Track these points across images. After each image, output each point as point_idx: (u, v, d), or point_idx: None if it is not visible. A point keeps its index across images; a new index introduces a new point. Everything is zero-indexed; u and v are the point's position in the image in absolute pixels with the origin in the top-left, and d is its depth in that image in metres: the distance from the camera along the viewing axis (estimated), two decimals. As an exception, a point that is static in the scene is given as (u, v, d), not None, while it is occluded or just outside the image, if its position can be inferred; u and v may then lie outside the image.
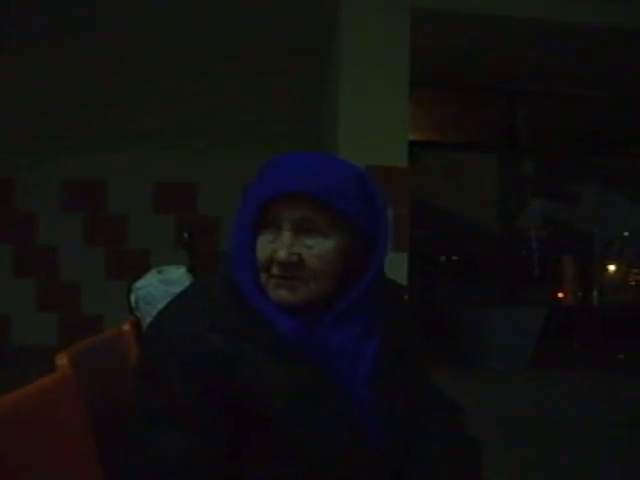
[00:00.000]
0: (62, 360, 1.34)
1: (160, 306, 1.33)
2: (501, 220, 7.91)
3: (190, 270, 2.57)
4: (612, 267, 9.72)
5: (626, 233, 9.23)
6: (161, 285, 2.41)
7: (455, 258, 8.40)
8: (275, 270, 1.24)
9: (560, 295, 9.57)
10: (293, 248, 1.22)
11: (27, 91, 6.68)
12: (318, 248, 1.23)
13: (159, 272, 2.51)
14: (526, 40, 5.95)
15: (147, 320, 2.32)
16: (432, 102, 7.74)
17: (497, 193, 8.20)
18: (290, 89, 6.79)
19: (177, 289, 1.41)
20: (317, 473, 1.24)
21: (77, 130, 6.84)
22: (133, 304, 2.48)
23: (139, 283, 2.50)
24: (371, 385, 1.27)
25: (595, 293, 8.64)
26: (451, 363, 5.78)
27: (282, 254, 1.22)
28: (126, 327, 2.08)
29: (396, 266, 4.32)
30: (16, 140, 6.82)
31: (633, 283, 10.19)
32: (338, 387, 1.25)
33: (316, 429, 1.22)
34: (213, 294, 1.28)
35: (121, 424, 1.27)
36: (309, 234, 1.23)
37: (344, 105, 4.95)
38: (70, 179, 7.06)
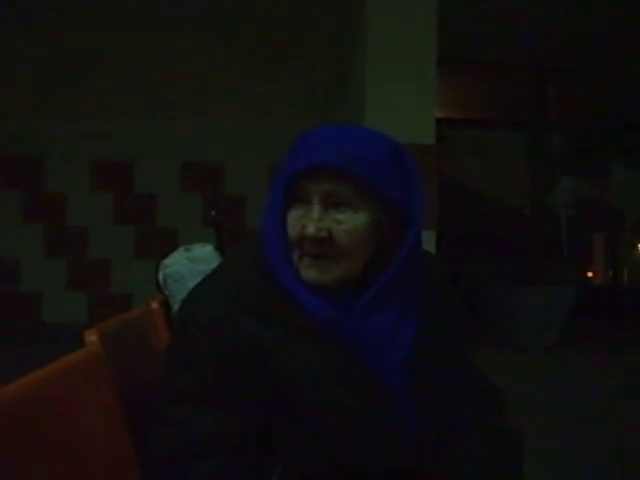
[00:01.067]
0: (91, 336, 1.34)
1: (188, 284, 1.33)
2: (530, 198, 7.83)
3: (217, 248, 2.57)
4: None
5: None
6: (188, 263, 2.42)
7: (484, 236, 8.32)
8: (306, 247, 1.20)
9: (589, 274, 9.48)
10: (322, 223, 1.17)
11: (57, 72, 6.71)
12: (348, 223, 1.18)
13: (186, 250, 2.52)
14: (557, 14, 5.85)
15: (175, 298, 2.33)
16: (460, 79, 7.65)
17: (526, 171, 8.11)
18: (318, 68, 6.76)
19: (204, 267, 1.41)
20: (349, 457, 1.23)
21: (106, 111, 6.87)
22: (161, 282, 2.49)
23: (167, 261, 2.51)
24: (406, 369, 1.23)
25: (625, 271, 8.55)
26: (479, 342, 5.75)
27: (311, 229, 1.17)
28: (154, 305, 2.09)
29: (425, 245, 4.27)
30: (45, 121, 6.86)
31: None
32: (372, 370, 1.21)
33: (348, 413, 1.21)
34: (244, 275, 1.25)
35: (150, 401, 1.28)
36: (339, 208, 1.18)
37: (371, 83, 4.91)
38: (99, 159, 7.11)
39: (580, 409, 4.30)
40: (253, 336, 1.18)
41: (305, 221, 1.19)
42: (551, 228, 7.77)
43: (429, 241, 4.57)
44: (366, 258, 1.22)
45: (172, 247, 2.70)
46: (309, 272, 1.20)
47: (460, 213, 8.02)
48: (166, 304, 2.31)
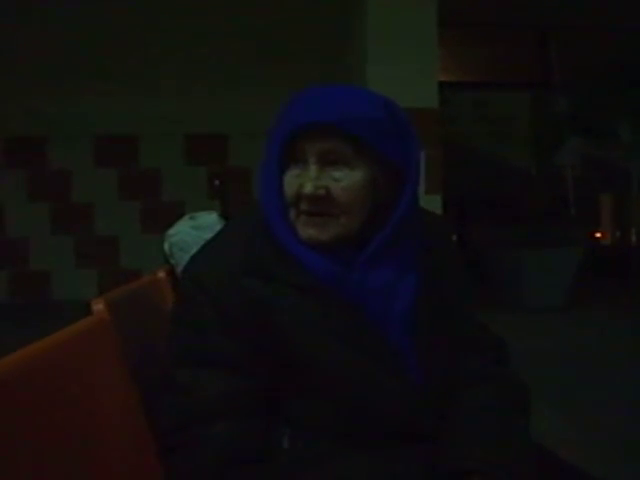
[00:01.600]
0: (98, 305, 1.35)
1: (194, 252, 1.33)
2: (536, 159, 7.78)
3: (222, 216, 2.57)
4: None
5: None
6: (193, 231, 2.42)
7: (490, 199, 8.30)
8: (303, 205, 1.19)
9: (597, 234, 9.44)
10: (320, 181, 1.18)
11: (58, 52, 6.69)
12: (345, 180, 1.18)
13: (191, 218, 2.52)
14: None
15: (181, 266, 2.33)
16: (463, 42, 7.59)
17: (531, 132, 8.06)
18: (318, 34, 6.71)
19: (209, 235, 1.40)
20: (356, 412, 1.24)
21: (108, 86, 6.84)
22: (167, 251, 2.49)
23: (172, 230, 2.51)
24: (408, 322, 1.24)
25: (633, 231, 8.52)
26: (486, 304, 5.76)
27: (309, 187, 1.17)
28: (161, 274, 2.10)
29: (430, 209, 4.27)
30: (47, 100, 6.84)
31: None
32: (375, 325, 1.22)
33: (353, 368, 1.21)
34: (246, 237, 1.26)
35: (157, 368, 1.29)
36: (335, 166, 1.18)
37: (373, 48, 4.88)
38: (103, 135, 7.10)
39: (590, 367, 4.32)
40: (257, 296, 1.19)
41: (302, 180, 1.19)
42: (558, 189, 7.75)
43: (435, 205, 4.57)
44: (364, 216, 1.22)
45: (179, 220, 2.71)
46: (307, 230, 1.20)
47: (465, 176, 7.99)
48: (173, 273, 2.32)
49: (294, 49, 6.77)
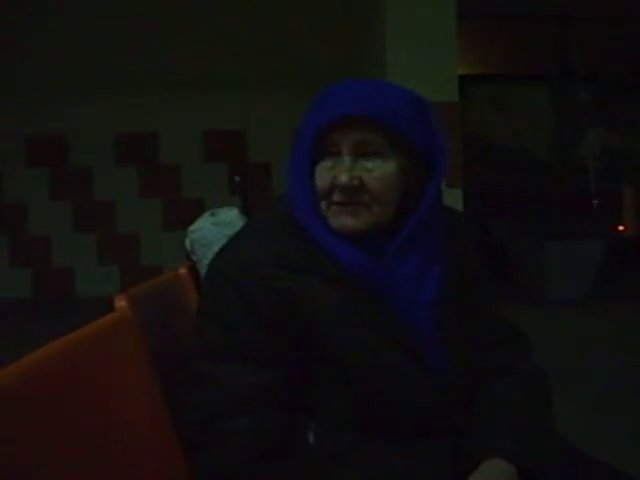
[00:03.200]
0: (121, 301, 1.36)
1: (215, 248, 1.34)
2: (557, 151, 7.71)
3: (243, 212, 2.58)
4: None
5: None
6: (214, 227, 2.42)
7: (511, 192, 8.24)
8: (336, 197, 1.21)
9: (620, 227, 9.34)
10: (354, 172, 1.20)
11: (75, 49, 6.74)
12: (378, 171, 1.21)
13: (212, 215, 2.53)
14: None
15: (203, 262, 2.34)
16: (482, 34, 7.55)
17: (552, 124, 7.99)
18: (336, 29, 6.70)
19: (229, 231, 1.42)
20: (381, 402, 1.25)
21: (126, 84, 6.88)
22: (188, 248, 2.50)
23: (193, 226, 2.52)
24: (435, 312, 1.25)
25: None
26: (508, 297, 5.73)
27: (343, 178, 1.19)
28: (183, 271, 2.11)
29: (451, 202, 4.24)
30: (68, 100, 6.88)
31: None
32: (401, 315, 1.23)
33: (381, 358, 1.22)
34: (272, 229, 1.27)
35: (180, 364, 1.29)
36: (368, 157, 1.21)
37: (391, 42, 4.85)
38: (123, 133, 7.14)
39: (612, 360, 4.29)
40: (284, 287, 1.20)
41: (336, 172, 1.21)
42: (580, 181, 7.68)
43: (456, 199, 4.53)
44: (395, 205, 1.24)
45: (199, 217, 2.72)
46: (340, 219, 1.22)
47: (487, 169, 7.95)
48: (194, 269, 2.33)
49: (311, 44, 6.76)
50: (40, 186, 7.16)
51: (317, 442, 1.25)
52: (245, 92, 6.87)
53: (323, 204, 1.23)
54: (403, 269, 1.23)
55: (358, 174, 1.20)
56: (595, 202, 7.81)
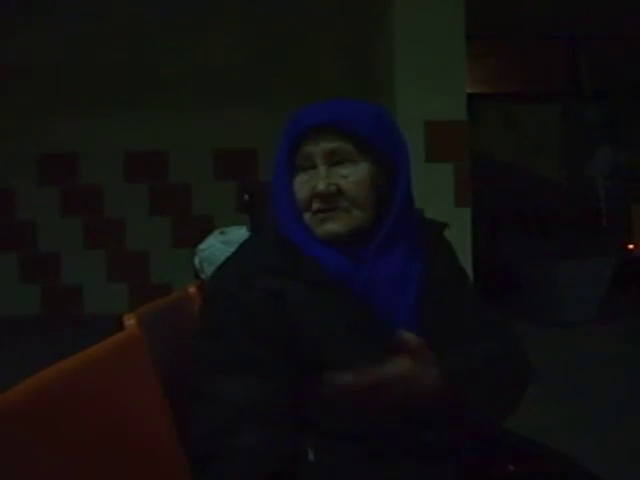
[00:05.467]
0: (130, 320, 1.36)
1: (223, 267, 1.37)
2: (567, 170, 7.71)
3: (252, 230, 2.58)
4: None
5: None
6: (223, 246, 2.44)
7: (521, 211, 8.23)
8: (316, 205, 1.29)
9: (629, 246, 9.30)
10: (330, 179, 1.28)
11: (87, 64, 6.80)
12: (353, 176, 1.29)
13: (221, 233, 2.55)
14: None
15: (211, 281, 2.35)
16: (491, 53, 7.56)
17: (562, 143, 7.99)
18: (345, 47, 6.74)
19: (238, 249, 1.43)
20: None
21: (138, 103, 6.92)
22: (198, 266, 2.51)
23: (202, 245, 2.54)
24: (417, 311, 1.30)
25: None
26: (520, 317, 5.72)
27: (321, 186, 1.27)
28: (192, 289, 2.10)
29: (460, 222, 4.26)
30: (77, 117, 6.92)
31: None
32: (384, 316, 1.28)
33: (365, 360, 1.21)
34: (263, 243, 1.35)
35: (188, 383, 1.30)
36: (342, 164, 1.29)
37: (400, 61, 4.87)
38: (133, 150, 7.16)
39: (624, 380, 4.25)
40: (272, 289, 1.24)
41: (313, 182, 1.29)
42: (589, 200, 7.66)
43: (464, 218, 4.52)
44: (373, 209, 1.31)
45: (208, 235, 2.73)
46: (323, 226, 1.29)
47: (496, 188, 7.94)
48: (203, 288, 2.33)
49: (325, 64, 6.80)
50: (51, 203, 7.19)
51: (317, 458, 1.25)
52: (257, 111, 6.89)
53: (306, 215, 1.31)
54: (382, 271, 1.29)
55: (334, 181, 1.28)
56: (604, 221, 7.78)
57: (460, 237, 3.95)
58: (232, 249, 2.35)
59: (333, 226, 1.29)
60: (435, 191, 4.31)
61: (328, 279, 1.26)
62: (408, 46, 4.86)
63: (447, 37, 4.85)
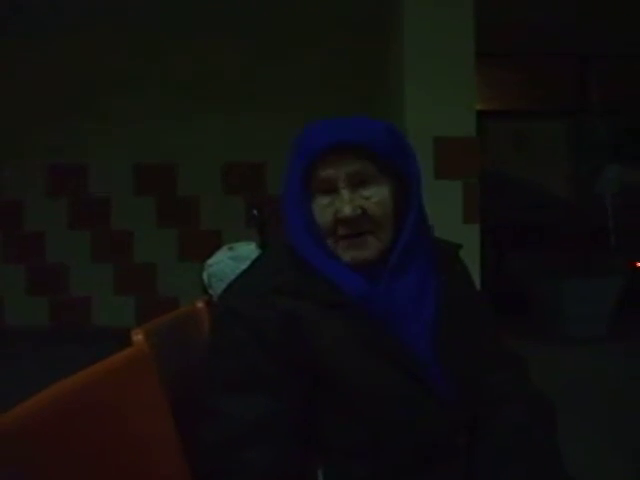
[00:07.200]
0: (138, 336, 1.36)
1: (231, 282, 1.35)
2: (576, 187, 7.70)
3: (261, 246, 2.58)
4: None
5: None
6: (232, 262, 2.43)
7: (530, 228, 8.21)
8: (342, 230, 1.24)
9: (638, 264, 9.27)
10: (355, 202, 1.23)
11: (90, 76, 6.85)
12: (377, 197, 1.25)
13: (230, 249, 2.54)
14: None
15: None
16: (501, 70, 7.58)
17: (571, 160, 7.98)
18: (354, 63, 6.77)
19: (247, 265, 1.42)
20: (386, 427, 1.24)
21: (144, 114, 6.95)
22: (206, 281, 2.50)
23: (211, 260, 2.53)
24: (432, 336, 1.26)
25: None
26: (526, 334, 5.70)
27: (347, 211, 1.22)
28: (200, 305, 2.10)
29: (468, 238, 4.25)
30: (85, 128, 6.96)
31: None
32: (402, 339, 1.24)
33: (382, 382, 1.23)
34: (275, 260, 1.31)
35: (196, 398, 1.29)
36: (364, 186, 1.25)
37: (409, 77, 4.87)
38: (141, 163, 7.18)
39: (630, 399, 4.23)
40: (288, 309, 1.22)
41: (337, 206, 1.24)
42: (598, 217, 7.64)
43: (473, 234, 4.51)
44: (393, 229, 1.28)
45: (216, 249, 2.72)
46: (349, 253, 1.26)
47: (505, 205, 7.93)
48: (211, 303, 2.32)
49: (336, 77, 6.81)
50: (59, 215, 7.21)
51: (327, 478, 1.25)
52: (266, 125, 6.90)
53: (330, 241, 1.27)
54: (398, 290, 1.26)
55: (359, 204, 1.24)
56: (613, 238, 7.76)
57: (469, 254, 3.95)
58: (241, 265, 2.36)
59: (358, 254, 1.25)
60: (443, 208, 4.30)
61: (345, 300, 1.23)
62: (418, 63, 4.86)
63: (457, 54, 4.85)
